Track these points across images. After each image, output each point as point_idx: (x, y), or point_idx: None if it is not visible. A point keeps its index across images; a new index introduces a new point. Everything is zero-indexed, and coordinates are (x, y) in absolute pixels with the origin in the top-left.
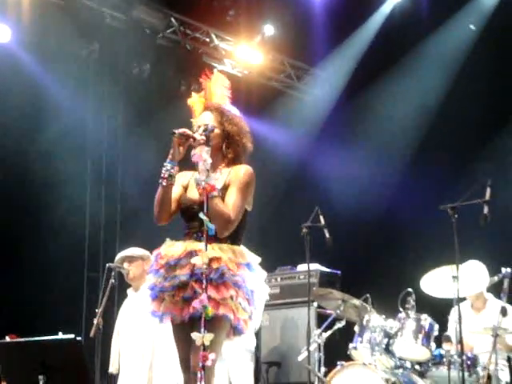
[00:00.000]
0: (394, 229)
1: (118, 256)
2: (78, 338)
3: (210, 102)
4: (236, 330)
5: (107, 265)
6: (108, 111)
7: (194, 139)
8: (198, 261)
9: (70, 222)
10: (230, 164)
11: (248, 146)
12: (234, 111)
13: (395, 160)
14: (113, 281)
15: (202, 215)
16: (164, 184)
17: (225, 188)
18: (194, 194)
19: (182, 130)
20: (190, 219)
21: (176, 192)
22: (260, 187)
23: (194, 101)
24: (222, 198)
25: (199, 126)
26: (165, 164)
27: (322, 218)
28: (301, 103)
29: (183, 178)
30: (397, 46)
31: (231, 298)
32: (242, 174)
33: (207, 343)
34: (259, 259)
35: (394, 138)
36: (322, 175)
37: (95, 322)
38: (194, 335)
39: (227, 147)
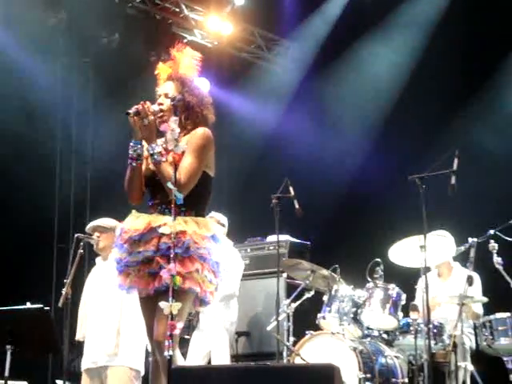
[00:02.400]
0: (363, 199)
1: (90, 225)
2: (46, 308)
3: (173, 72)
4: (202, 302)
5: (76, 235)
6: (77, 82)
7: (149, 114)
8: (166, 230)
9: (39, 194)
10: (188, 133)
11: (209, 117)
12: (199, 83)
13: (364, 131)
14: (81, 251)
15: (169, 184)
16: (134, 164)
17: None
18: (153, 166)
19: (134, 108)
20: (153, 189)
21: (144, 167)
22: (230, 159)
23: (161, 69)
24: None
25: (159, 95)
26: (131, 144)
27: (291, 189)
28: (271, 74)
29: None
30: (367, 15)
31: (197, 271)
32: (197, 137)
33: (175, 312)
34: (223, 230)
35: (363, 109)
36: (292, 146)
37: (63, 291)
38: (162, 304)
39: (186, 118)
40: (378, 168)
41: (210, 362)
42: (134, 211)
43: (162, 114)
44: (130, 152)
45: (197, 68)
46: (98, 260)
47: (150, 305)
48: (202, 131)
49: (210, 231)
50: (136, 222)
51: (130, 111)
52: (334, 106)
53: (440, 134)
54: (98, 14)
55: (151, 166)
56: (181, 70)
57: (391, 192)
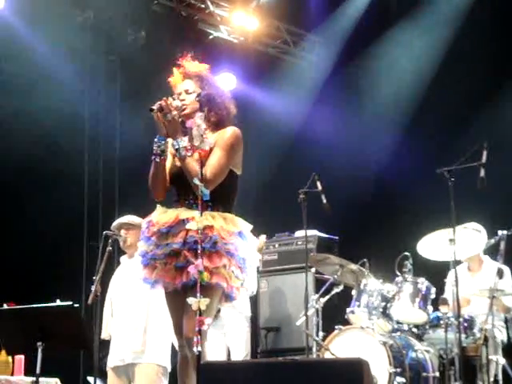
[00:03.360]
0: (391, 193)
1: (116, 222)
2: (76, 305)
3: (188, 70)
4: (228, 297)
5: (104, 232)
6: (104, 80)
7: (172, 109)
8: (193, 226)
9: (68, 192)
10: (214, 129)
11: (231, 108)
12: (216, 79)
13: (392, 123)
14: (110, 248)
15: (196, 181)
16: (157, 160)
17: (211, 151)
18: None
19: (158, 104)
20: (179, 186)
21: (169, 163)
22: (257, 154)
23: (175, 77)
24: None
25: (179, 93)
26: (155, 140)
27: (319, 184)
28: (297, 69)
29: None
30: (394, 8)
31: (224, 266)
32: (228, 135)
33: (203, 308)
34: (250, 226)
35: (391, 102)
36: (319, 141)
37: (93, 289)
38: (190, 300)
39: (209, 110)
40: (407, 161)
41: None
42: (159, 206)
43: (184, 107)
44: (154, 148)
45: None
46: (123, 259)
47: (176, 300)
48: (232, 130)
49: (237, 227)
50: (164, 215)
51: (154, 107)
52: (361, 100)
53: (469, 126)
54: (124, 11)
55: (177, 163)
56: (196, 67)
57: (420, 185)
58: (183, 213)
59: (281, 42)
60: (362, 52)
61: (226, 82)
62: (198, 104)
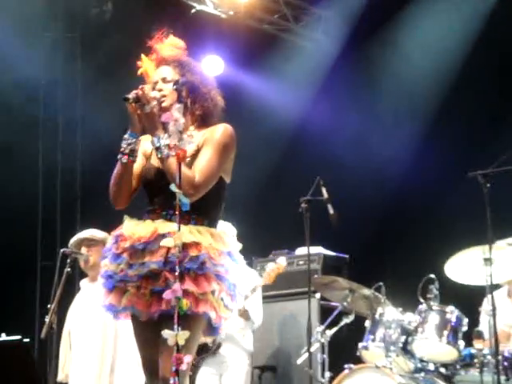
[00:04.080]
0: (412, 202)
1: (74, 238)
2: (25, 340)
3: (164, 55)
4: (213, 330)
5: (61, 250)
6: (63, 62)
7: (151, 100)
8: (169, 243)
9: (18, 199)
10: (201, 125)
11: (218, 99)
12: (198, 63)
13: (413, 119)
14: (68, 269)
15: (173, 187)
16: (124, 161)
17: (198, 152)
18: (158, 163)
19: (134, 93)
20: (154, 194)
21: (137, 164)
22: (249, 153)
23: (145, 64)
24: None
25: (156, 82)
26: (125, 136)
27: (324, 191)
28: (299, 50)
29: (146, 145)
30: None
31: (212, 292)
32: (220, 133)
33: (182, 343)
34: (240, 245)
35: (411, 93)
36: (324, 138)
37: (47, 319)
38: (166, 333)
39: (193, 102)
40: (430, 164)
41: None
42: (127, 217)
43: (163, 99)
44: (123, 145)
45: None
46: (83, 283)
47: (150, 331)
48: (224, 127)
49: (227, 246)
50: (138, 228)
51: (129, 96)
52: (375, 90)
53: (505, 122)
54: None
55: (152, 163)
56: (175, 51)
57: (447, 193)
58: (162, 225)
59: (279, 17)
60: (377, 31)
61: (212, 67)
62: (177, 92)
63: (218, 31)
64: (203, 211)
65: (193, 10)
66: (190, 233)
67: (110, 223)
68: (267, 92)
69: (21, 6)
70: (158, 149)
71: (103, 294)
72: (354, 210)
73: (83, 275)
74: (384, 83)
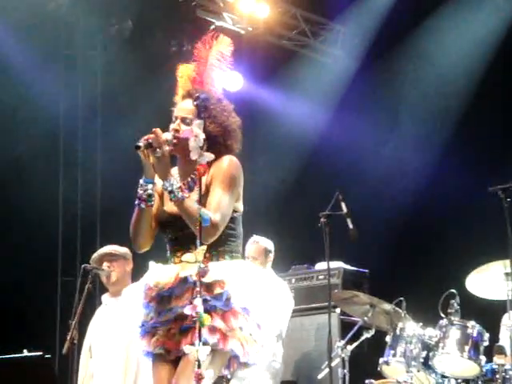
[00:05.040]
0: (433, 217)
1: (96, 254)
2: (47, 356)
3: (194, 87)
4: (245, 365)
5: (82, 266)
6: (83, 80)
7: (162, 144)
8: (191, 271)
9: (39, 216)
10: (211, 166)
11: (234, 148)
12: (223, 101)
13: (432, 134)
14: (90, 285)
15: (192, 202)
16: (143, 206)
17: (207, 190)
18: (171, 205)
19: (144, 140)
20: (173, 235)
21: (156, 203)
22: (268, 168)
23: (183, 72)
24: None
25: (176, 118)
26: (140, 183)
27: (343, 205)
28: (317, 65)
29: (159, 184)
30: None
31: (240, 328)
32: (226, 166)
33: (203, 358)
34: (271, 256)
35: (430, 107)
36: (343, 154)
37: (68, 335)
38: (188, 348)
39: (207, 149)
40: (451, 178)
41: None
42: (152, 263)
43: (176, 141)
44: (139, 192)
45: (228, 63)
46: (105, 298)
47: (167, 368)
48: (228, 159)
49: (250, 276)
50: (161, 275)
51: (140, 144)
52: (394, 103)
53: None
54: None
55: (167, 207)
56: (205, 83)
57: (468, 208)
58: (183, 268)
59: (297, 33)
60: (396, 46)
61: (232, 83)
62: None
63: (236, 47)
64: (223, 246)
65: (212, 26)
66: (212, 271)
67: (129, 239)
68: (286, 107)
69: (41, 23)
70: (171, 192)
71: (138, 339)
72: (374, 224)
73: (104, 291)
74: (403, 97)
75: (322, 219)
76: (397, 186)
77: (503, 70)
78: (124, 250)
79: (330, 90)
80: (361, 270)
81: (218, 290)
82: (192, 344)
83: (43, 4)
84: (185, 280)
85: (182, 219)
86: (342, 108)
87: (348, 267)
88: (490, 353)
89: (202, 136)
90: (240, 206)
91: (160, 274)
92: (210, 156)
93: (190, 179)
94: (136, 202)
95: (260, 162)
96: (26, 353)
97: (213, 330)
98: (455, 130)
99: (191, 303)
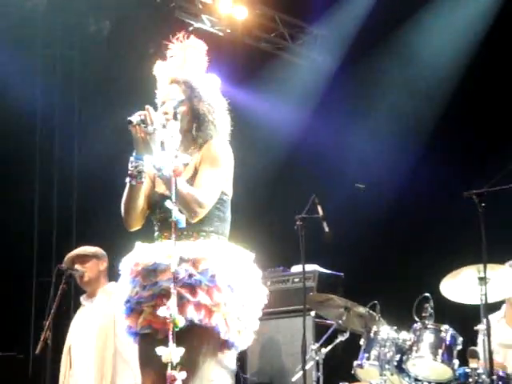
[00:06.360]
0: (408, 221)
1: (66, 257)
2: (19, 356)
3: (177, 73)
4: (228, 345)
5: (57, 266)
6: (60, 79)
7: (153, 122)
8: (169, 261)
9: (14, 216)
10: (201, 148)
11: (223, 127)
12: (209, 84)
13: (409, 138)
14: (64, 286)
15: (168, 203)
16: (133, 183)
17: (196, 171)
18: (162, 186)
19: (138, 115)
20: (162, 216)
21: (146, 185)
22: (245, 171)
23: (159, 69)
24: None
25: (163, 102)
26: (131, 159)
27: (319, 208)
28: (296, 68)
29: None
30: None
31: (225, 304)
32: (214, 147)
33: (177, 360)
34: (253, 256)
35: (407, 111)
36: (320, 156)
37: (42, 336)
38: (160, 350)
39: (197, 129)
40: (426, 183)
41: None
42: (138, 243)
43: (166, 122)
44: (130, 168)
45: (205, 63)
46: (83, 299)
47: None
48: (217, 142)
49: (235, 256)
50: (148, 252)
51: (133, 119)
52: (372, 107)
53: (503, 142)
54: None
55: (158, 188)
56: (186, 69)
57: (443, 212)
58: (168, 245)
59: (276, 36)
60: (374, 49)
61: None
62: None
63: (215, 49)
64: (210, 226)
65: (190, 28)
66: (198, 248)
67: (105, 239)
68: (264, 110)
69: (19, 23)
70: (159, 170)
71: (122, 318)
72: (349, 227)
73: (79, 291)
74: (380, 101)
75: (297, 222)
76: (373, 190)
77: (483, 72)
78: (94, 249)
79: (308, 93)
80: (336, 273)
81: (203, 266)
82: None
83: (20, 3)
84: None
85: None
86: (319, 111)
87: (323, 270)
88: (463, 357)
89: (178, 137)
90: (229, 190)
91: (147, 251)
92: (185, 157)
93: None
94: (127, 180)
95: (236, 163)
96: None
97: (198, 305)
98: (432, 133)
99: (174, 278)
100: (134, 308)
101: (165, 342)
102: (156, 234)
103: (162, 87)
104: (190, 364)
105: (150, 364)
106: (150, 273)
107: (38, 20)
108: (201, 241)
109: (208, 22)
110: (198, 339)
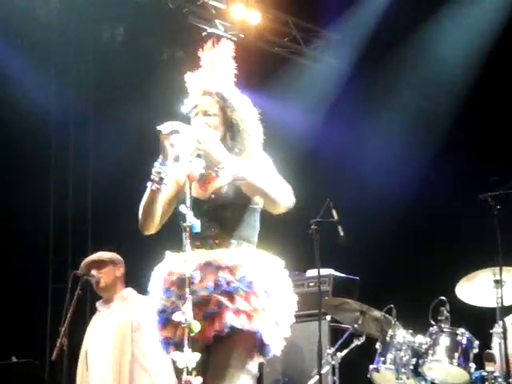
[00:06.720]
0: (424, 224)
1: (83, 263)
2: (35, 362)
3: (209, 85)
4: (265, 351)
5: (73, 272)
6: (75, 86)
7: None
8: (186, 269)
9: (30, 223)
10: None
11: (257, 137)
12: (240, 95)
13: (424, 140)
14: (79, 292)
15: (183, 208)
16: (153, 188)
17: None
18: (195, 190)
19: (169, 126)
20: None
21: (169, 190)
22: None
23: (191, 80)
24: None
25: (197, 113)
26: (155, 165)
27: (334, 212)
28: (309, 72)
29: (180, 175)
30: None
31: (263, 309)
32: (256, 155)
33: (193, 365)
34: (283, 263)
35: (422, 114)
36: (335, 161)
37: (58, 342)
38: (175, 355)
39: (232, 138)
40: (442, 185)
41: None
42: (168, 252)
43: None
44: (153, 173)
45: (234, 70)
46: (99, 305)
47: (205, 355)
48: (255, 150)
49: (271, 263)
50: (182, 261)
51: (163, 129)
52: (387, 111)
53: None
54: (97, 2)
55: (195, 190)
56: (216, 79)
57: (458, 215)
58: (205, 253)
59: (289, 40)
60: (388, 53)
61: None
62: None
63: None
64: (241, 235)
65: (204, 33)
66: (234, 255)
67: (120, 244)
68: (278, 114)
69: (32, 30)
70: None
71: (157, 329)
72: (364, 231)
73: (95, 297)
74: (394, 104)
75: (312, 226)
76: (388, 194)
77: (498, 75)
78: (111, 255)
79: (322, 97)
80: (351, 276)
81: (240, 273)
82: (219, 331)
83: (33, 10)
84: (208, 264)
85: (203, 204)
86: (333, 115)
87: (338, 274)
88: (479, 360)
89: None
90: (260, 199)
91: (180, 260)
92: (199, 163)
93: (216, 169)
94: (148, 184)
95: None
96: (14, 359)
97: (237, 312)
98: (445, 137)
99: (216, 285)
100: (170, 319)
101: (202, 350)
102: (185, 242)
103: (195, 98)
104: (223, 368)
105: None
106: (185, 282)
107: (52, 27)
108: (233, 249)
109: (221, 27)
110: (238, 344)
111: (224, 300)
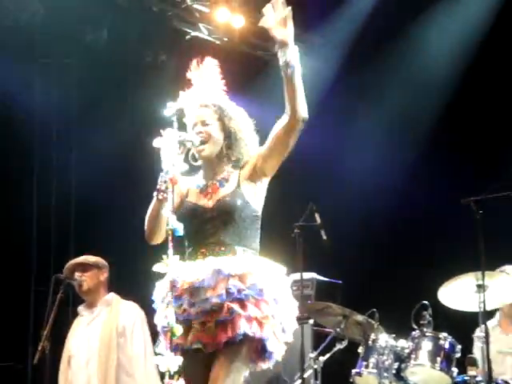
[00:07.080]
0: (406, 229)
1: (67, 265)
2: (17, 365)
3: (204, 98)
4: (268, 356)
5: (54, 275)
6: (58, 88)
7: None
8: (222, 264)
9: (12, 224)
10: (235, 167)
11: (254, 145)
12: (236, 106)
13: (409, 144)
14: (61, 295)
15: (166, 212)
16: (160, 197)
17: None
18: (199, 199)
19: (178, 136)
20: (196, 229)
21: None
22: None
23: (185, 99)
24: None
25: (195, 124)
26: (161, 174)
27: (317, 216)
28: None
29: (182, 186)
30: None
31: (273, 316)
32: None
33: (174, 369)
34: (285, 269)
35: (405, 119)
36: (318, 164)
37: (40, 346)
38: (157, 360)
39: (228, 147)
40: (424, 190)
41: None
42: (165, 257)
43: (202, 147)
44: (159, 183)
45: (222, 82)
46: (82, 309)
47: (203, 361)
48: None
49: (276, 270)
50: (190, 269)
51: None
52: (371, 115)
53: (503, 148)
54: (80, 5)
55: (192, 199)
56: (210, 92)
57: (441, 219)
58: (214, 261)
59: (273, 44)
60: (373, 57)
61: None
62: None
63: (212, 57)
64: (246, 242)
65: (187, 37)
66: (242, 263)
67: (103, 249)
68: (261, 117)
69: (16, 32)
70: None
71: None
72: (347, 235)
73: (77, 301)
74: (378, 109)
75: (295, 230)
76: (370, 198)
77: (482, 76)
78: (96, 259)
79: (307, 99)
80: (334, 280)
81: (251, 280)
82: (231, 338)
83: (18, 12)
84: (218, 272)
85: (207, 212)
86: (316, 119)
87: (321, 278)
88: (462, 364)
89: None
90: (261, 208)
91: (187, 268)
92: (183, 166)
93: (219, 178)
94: (154, 193)
95: None
96: None
97: (249, 319)
98: (430, 142)
99: (227, 292)
100: (181, 326)
101: (212, 356)
102: (189, 250)
103: (193, 112)
104: (229, 371)
105: (196, 380)
106: (198, 290)
107: (36, 29)
108: (240, 256)
109: (205, 31)
110: (247, 350)
111: (236, 307)
